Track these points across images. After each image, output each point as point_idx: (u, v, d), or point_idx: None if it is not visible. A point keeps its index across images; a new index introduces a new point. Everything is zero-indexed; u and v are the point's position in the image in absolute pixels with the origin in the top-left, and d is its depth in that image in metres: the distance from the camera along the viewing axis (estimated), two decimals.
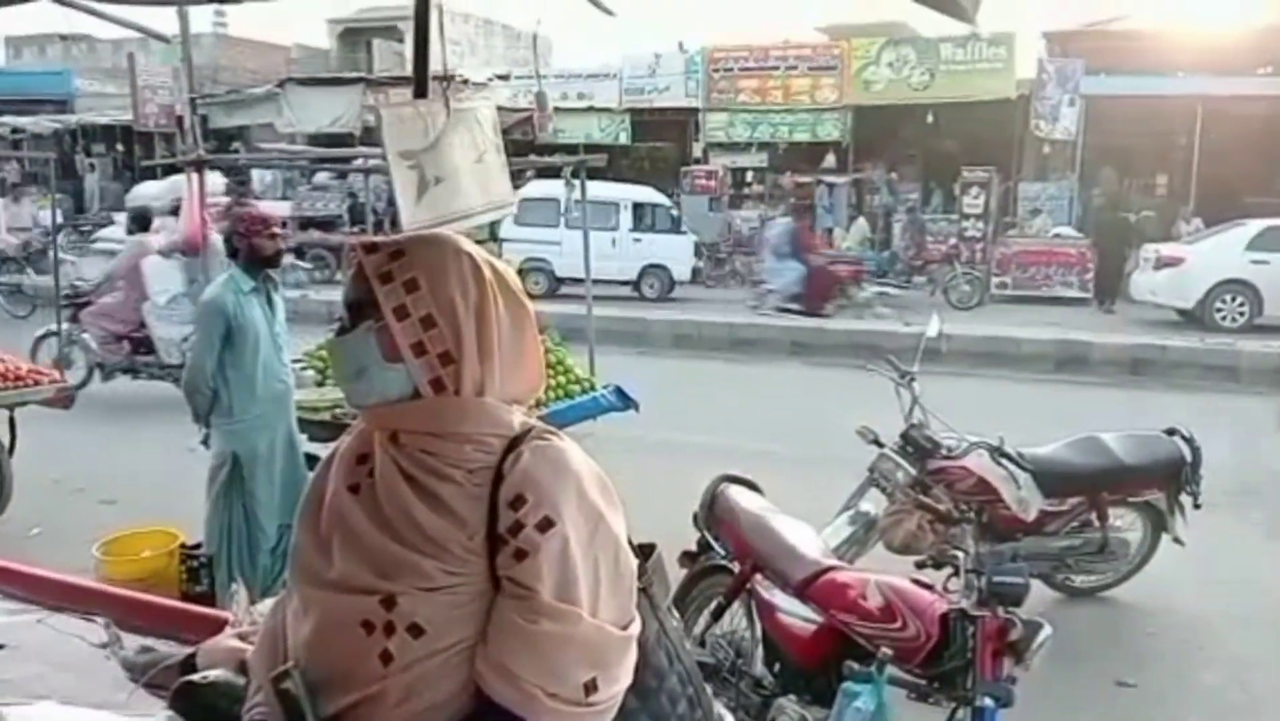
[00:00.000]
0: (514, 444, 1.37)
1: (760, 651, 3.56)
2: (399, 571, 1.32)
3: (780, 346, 13.08)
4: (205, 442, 4.49)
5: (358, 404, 1.44)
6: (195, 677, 1.75)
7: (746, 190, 22.24)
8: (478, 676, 1.31)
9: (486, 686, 1.30)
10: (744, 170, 22.35)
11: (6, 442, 6.34)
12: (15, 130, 23.11)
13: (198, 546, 5.00)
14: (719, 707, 1.60)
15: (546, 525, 1.31)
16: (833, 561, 3.47)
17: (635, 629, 1.38)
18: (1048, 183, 19.12)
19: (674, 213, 17.41)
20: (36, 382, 6.26)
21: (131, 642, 2.17)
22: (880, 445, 4.87)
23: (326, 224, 18.34)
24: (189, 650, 1.99)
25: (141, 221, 9.85)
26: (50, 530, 6.16)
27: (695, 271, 17.22)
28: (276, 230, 4.47)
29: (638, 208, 16.78)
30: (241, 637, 1.86)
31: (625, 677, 1.35)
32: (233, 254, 4.43)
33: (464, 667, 1.32)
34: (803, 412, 9.25)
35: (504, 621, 1.31)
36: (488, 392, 1.39)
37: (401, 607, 1.30)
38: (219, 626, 2.11)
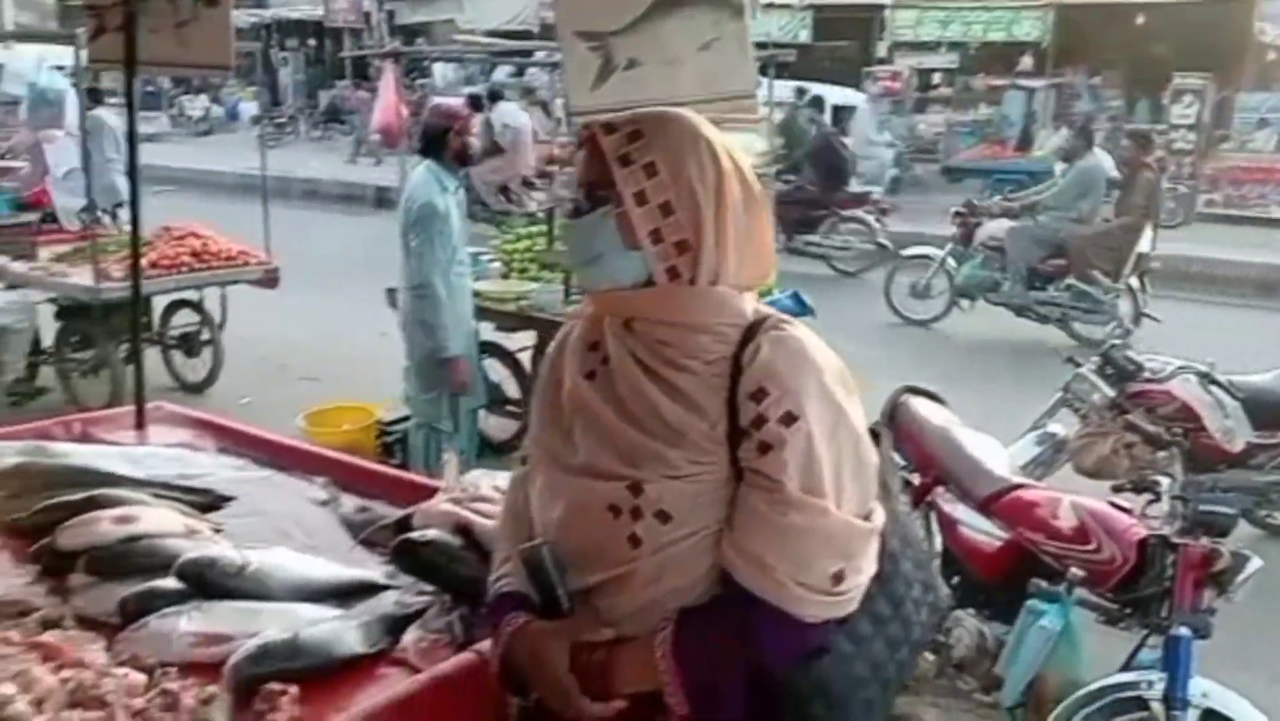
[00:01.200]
0: (750, 333, 1.36)
1: (938, 564, 3.52)
2: (644, 459, 1.34)
3: None
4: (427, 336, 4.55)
5: (591, 288, 1.45)
6: (414, 535, 1.86)
7: (933, 93, 21.21)
8: (727, 563, 1.33)
9: (737, 573, 1.32)
10: (931, 72, 21.27)
11: (218, 319, 6.82)
12: None
13: (393, 423, 5.31)
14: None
15: (790, 419, 1.31)
16: (1021, 478, 3.38)
17: (879, 520, 1.38)
18: (1271, 93, 17.41)
19: (880, 118, 16.63)
20: (246, 263, 6.67)
21: (349, 503, 2.32)
22: (1077, 364, 4.66)
23: None
24: (404, 511, 2.11)
25: None
26: (257, 401, 6.63)
27: (895, 182, 16.44)
28: (472, 133, 4.59)
29: (837, 110, 16.10)
30: (455, 503, 1.95)
31: (870, 567, 1.36)
32: (426, 150, 4.54)
33: (709, 553, 1.34)
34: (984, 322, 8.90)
35: (752, 512, 1.32)
36: (722, 280, 1.38)
37: (648, 494, 1.33)
38: (429, 493, 2.22)
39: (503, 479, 2.21)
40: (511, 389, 5.69)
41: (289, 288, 7.09)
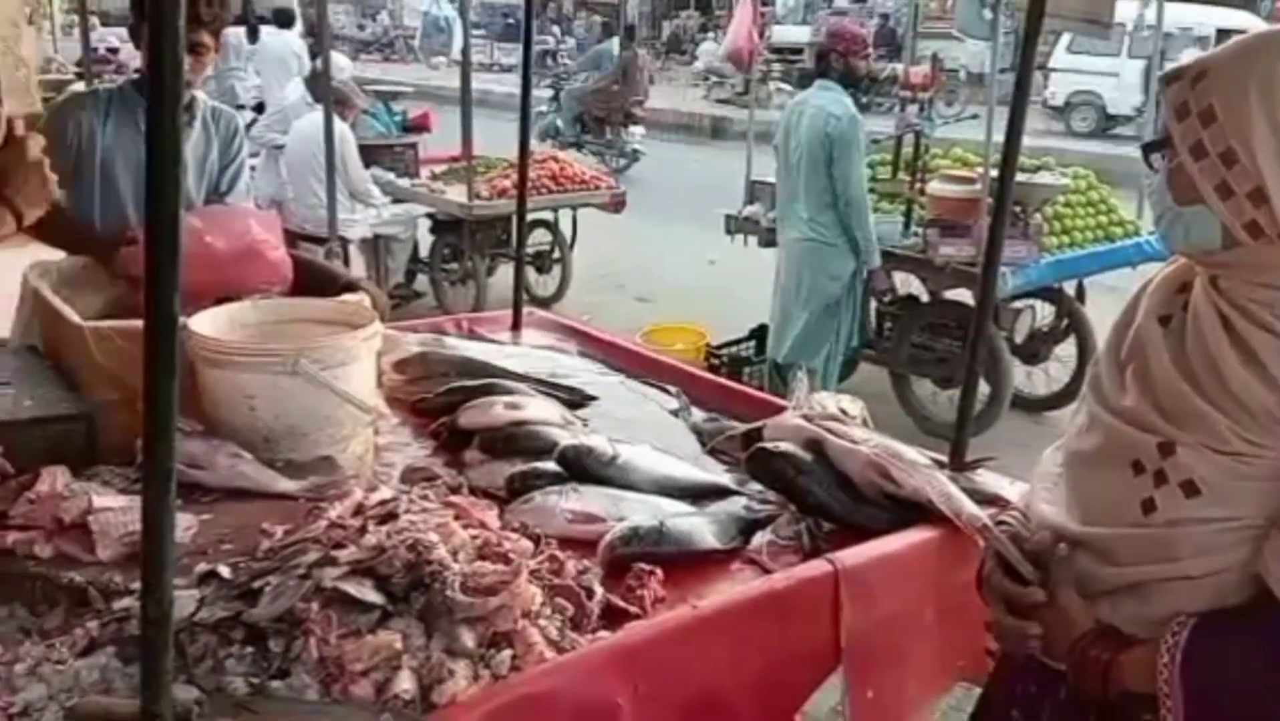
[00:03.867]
0: None
1: None
2: (1187, 420, 1.19)
3: None
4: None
5: (1169, 249, 1.31)
6: (768, 445, 1.94)
7: None
8: (1265, 571, 1.15)
9: (1274, 585, 1.14)
10: None
11: (569, 238, 7.30)
12: None
13: (721, 346, 5.48)
14: None
15: None
16: None
17: None
18: None
19: None
20: (596, 187, 7.07)
21: (698, 413, 2.44)
22: None
23: None
24: (755, 424, 2.20)
25: None
26: (597, 318, 7.07)
27: None
28: (870, 53, 4.59)
29: (1221, 36, 14.36)
30: (807, 419, 2.01)
31: None
32: (822, 73, 4.58)
33: (1238, 550, 1.17)
34: None
35: None
36: None
37: (1179, 459, 1.19)
38: (774, 410, 2.30)
39: (847, 401, 2.25)
40: None
41: (631, 213, 7.47)
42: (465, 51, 7.05)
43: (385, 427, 2.36)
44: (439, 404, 2.28)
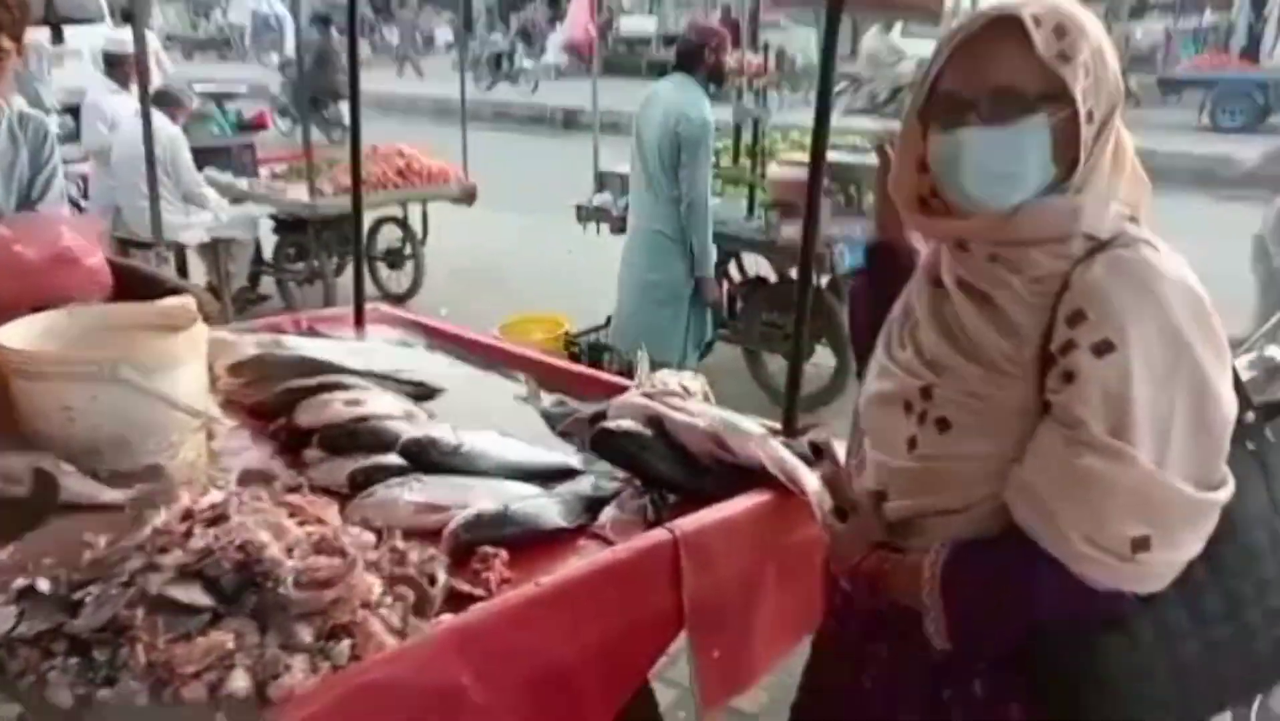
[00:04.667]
0: (1097, 249, 1.20)
1: None
2: (940, 368, 1.28)
3: (1179, 177, 11.70)
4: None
5: (988, 207, 1.25)
6: (610, 425, 1.97)
7: None
8: (1008, 500, 1.21)
9: (1015, 513, 1.20)
10: None
11: (420, 233, 7.20)
12: None
13: (580, 334, 5.51)
14: None
15: (1105, 348, 1.14)
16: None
17: (1223, 494, 1.17)
18: None
19: None
20: (446, 181, 6.98)
21: (548, 398, 2.46)
22: None
23: None
24: (600, 405, 2.24)
25: None
26: (454, 313, 7.00)
27: None
28: (729, 55, 4.57)
29: None
30: (648, 397, 2.05)
31: (1192, 545, 1.17)
32: (684, 68, 4.49)
33: (988, 484, 1.23)
34: (1213, 254, 8.32)
35: (1044, 448, 1.19)
36: (1094, 190, 1.22)
37: (934, 399, 1.27)
38: (621, 390, 2.34)
39: (689, 377, 2.30)
40: None
41: (483, 205, 7.41)
42: (299, 49, 6.87)
43: (221, 432, 2.30)
44: (276, 404, 2.22)
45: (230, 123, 7.60)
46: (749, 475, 1.87)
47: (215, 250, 6.43)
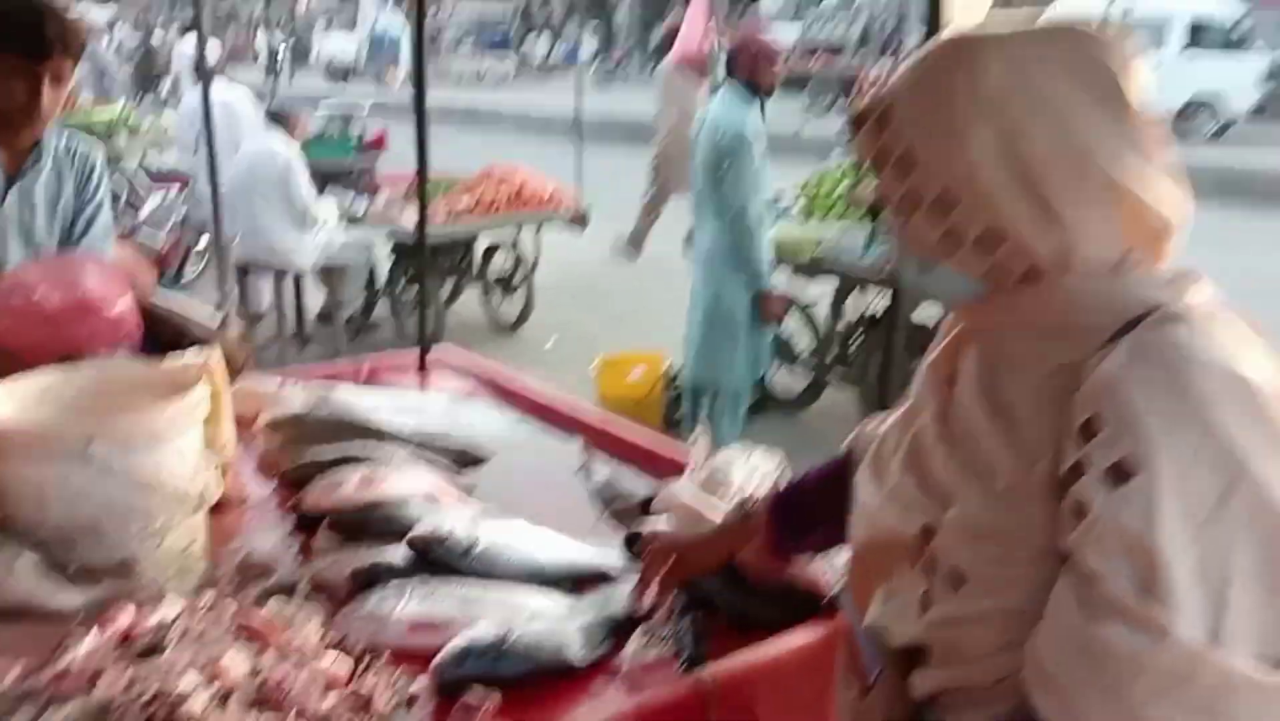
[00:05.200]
0: (1121, 332, 0.89)
1: None
2: (943, 495, 1.00)
3: None
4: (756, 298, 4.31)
5: (938, 297, 1.11)
6: (645, 530, 1.67)
7: None
8: (1025, 680, 0.92)
9: (1031, 694, 0.91)
10: None
11: (531, 258, 7.04)
12: None
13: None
14: None
15: (1123, 473, 0.83)
16: None
17: None
18: None
19: (1242, 26, 14.31)
20: (559, 205, 6.80)
21: (602, 470, 2.18)
22: None
23: (832, 50, 18.00)
24: (648, 492, 1.94)
25: None
26: (563, 340, 6.81)
27: (1263, 102, 14.15)
28: (779, 66, 4.27)
29: (1195, 24, 14.04)
30: (702, 487, 1.74)
31: None
32: (730, 77, 4.30)
33: (1020, 652, 0.93)
34: None
35: (1057, 611, 0.89)
36: (1076, 259, 0.93)
37: (939, 542, 0.99)
38: (678, 468, 2.04)
39: (760, 459, 1.98)
40: (803, 341, 5.40)
41: (598, 223, 7.20)
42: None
43: (253, 501, 2.11)
44: (298, 476, 2.02)
45: (351, 144, 7.61)
46: (810, 599, 1.53)
47: (330, 275, 6.41)
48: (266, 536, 1.94)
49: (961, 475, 0.98)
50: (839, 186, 5.34)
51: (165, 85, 17.27)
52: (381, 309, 7.08)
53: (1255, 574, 0.81)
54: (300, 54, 25.13)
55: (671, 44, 7.86)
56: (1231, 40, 14.06)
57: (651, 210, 8.53)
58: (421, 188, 3.02)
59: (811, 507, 1.40)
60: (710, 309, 4.29)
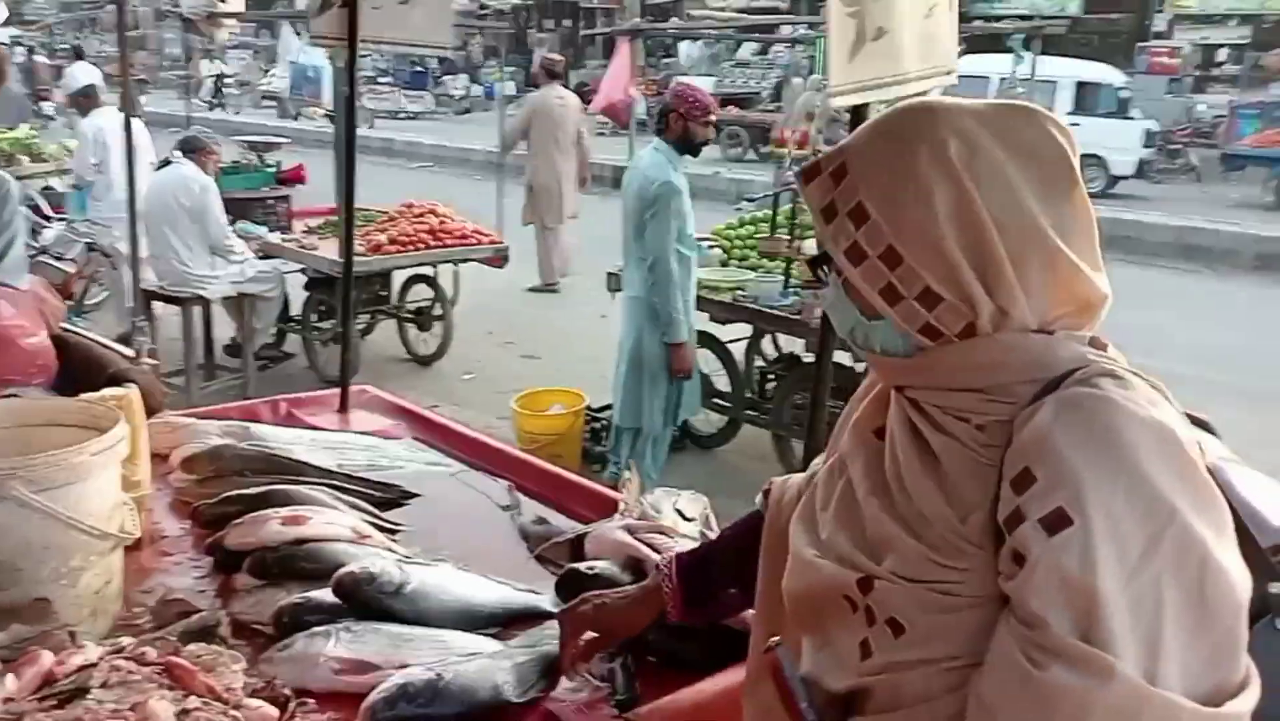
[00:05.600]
0: (1050, 387, 0.94)
1: None
2: (880, 548, 1.03)
3: (1241, 259, 11.25)
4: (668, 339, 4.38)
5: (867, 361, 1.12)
6: (582, 567, 1.69)
7: (1216, 71, 19.23)
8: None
9: None
10: (1216, 47, 19.28)
11: (450, 295, 7.00)
12: (483, 5, 25.35)
13: (601, 410, 5.24)
14: None
15: (1058, 522, 0.87)
16: None
17: (1246, 700, 0.88)
18: None
19: (1121, 94, 15.21)
20: (479, 241, 6.79)
21: (529, 511, 2.19)
22: None
23: (744, 101, 18.43)
24: (581, 530, 1.96)
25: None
26: (480, 376, 6.78)
27: (1142, 164, 15.08)
28: (713, 118, 4.38)
29: (1081, 88, 14.86)
30: (630, 531, 1.76)
31: None
32: (660, 130, 4.38)
33: (961, 696, 0.95)
34: (1265, 340, 7.89)
35: (1000, 654, 0.91)
36: (1012, 320, 0.97)
37: (877, 594, 1.01)
38: (609, 507, 2.06)
39: (687, 501, 2.01)
40: (722, 382, 5.49)
41: (517, 264, 7.21)
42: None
43: (164, 540, 2.06)
44: (215, 514, 1.97)
45: (269, 175, 7.49)
46: (739, 639, 1.56)
47: (241, 305, 6.28)
48: (182, 576, 1.90)
49: (896, 527, 1.01)
50: (756, 234, 5.45)
51: (48, 108, 16.97)
52: (292, 342, 6.97)
53: (1182, 615, 0.86)
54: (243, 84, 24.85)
55: (545, 72, 8.00)
56: (1115, 105, 14.85)
57: (541, 242, 8.67)
58: (348, 223, 3.00)
59: (723, 569, 1.42)
60: (633, 354, 4.38)
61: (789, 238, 5.01)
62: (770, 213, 5.25)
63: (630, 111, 6.59)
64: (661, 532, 1.77)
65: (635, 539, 1.74)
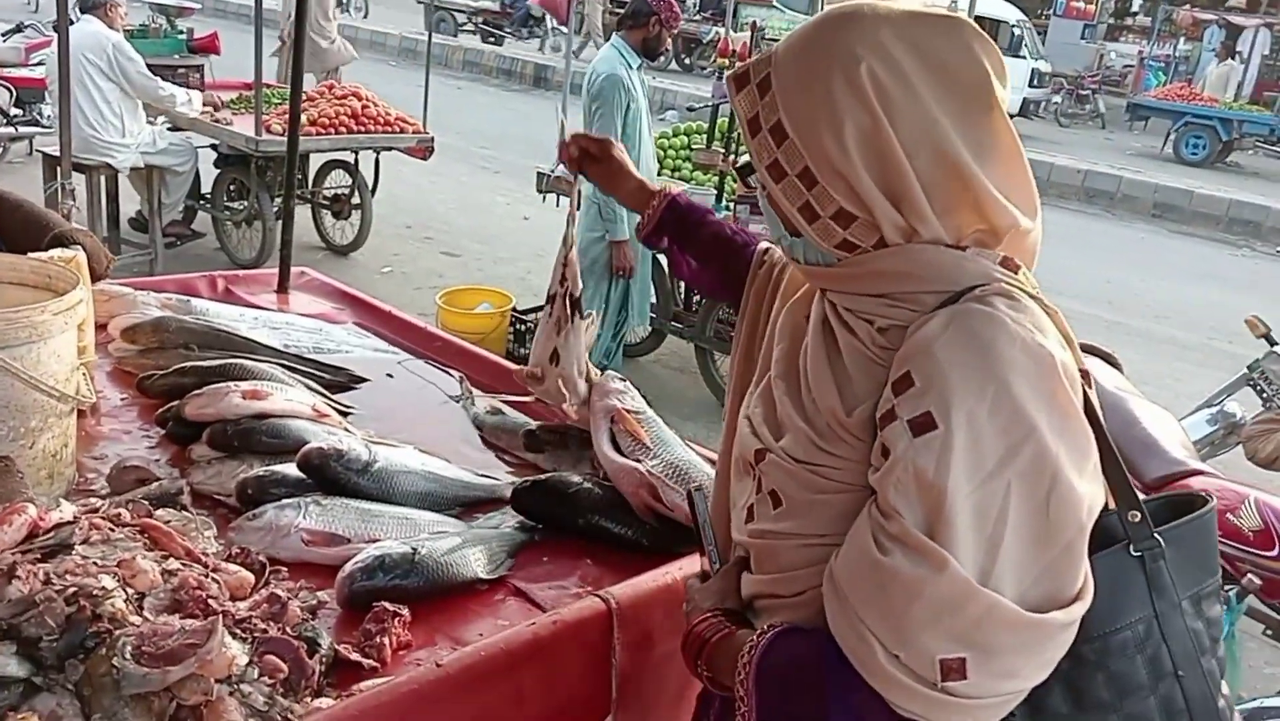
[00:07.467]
0: (947, 302, 0.98)
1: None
2: (781, 427, 1.09)
3: (1141, 205, 11.71)
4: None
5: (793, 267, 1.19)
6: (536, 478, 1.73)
7: (1130, 20, 19.69)
8: (824, 595, 1.01)
9: (826, 611, 1.00)
10: None
11: (370, 182, 6.82)
12: None
13: (529, 311, 5.23)
14: None
15: (924, 424, 0.92)
16: (1199, 464, 3.04)
17: (1072, 612, 0.94)
18: None
19: (1015, 31, 15.40)
20: (402, 130, 6.60)
21: (481, 402, 2.21)
22: (1272, 342, 4.20)
23: None
24: (532, 424, 1.99)
25: None
26: (398, 271, 6.67)
27: (1025, 104, 15.35)
28: (677, 27, 4.38)
29: (978, 21, 15.00)
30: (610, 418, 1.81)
31: (1028, 673, 0.94)
32: (622, 26, 4.36)
33: (819, 574, 1.03)
34: (1156, 285, 8.29)
35: (856, 538, 0.99)
36: (921, 237, 1.00)
37: (766, 466, 1.09)
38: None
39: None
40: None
41: (443, 159, 7.04)
42: None
43: (106, 408, 2.02)
44: (166, 385, 1.94)
45: (179, 41, 7.11)
46: (682, 530, 1.63)
47: (150, 177, 6.01)
48: (133, 445, 1.88)
49: (793, 411, 1.08)
50: (692, 146, 5.45)
51: None
52: (202, 221, 6.72)
53: (1025, 525, 0.92)
54: None
55: None
56: (1008, 42, 15.07)
57: None
58: (295, 97, 2.90)
59: (694, 238, 1.52)
60: (582, 252, 4.38)
61: (724, 151, 5.02)
62: (705, 125, 5.24)
63: (569, 8, 6.43)
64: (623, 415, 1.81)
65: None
